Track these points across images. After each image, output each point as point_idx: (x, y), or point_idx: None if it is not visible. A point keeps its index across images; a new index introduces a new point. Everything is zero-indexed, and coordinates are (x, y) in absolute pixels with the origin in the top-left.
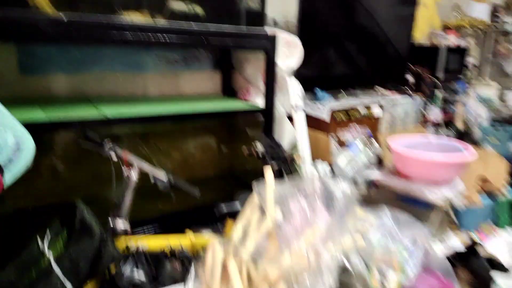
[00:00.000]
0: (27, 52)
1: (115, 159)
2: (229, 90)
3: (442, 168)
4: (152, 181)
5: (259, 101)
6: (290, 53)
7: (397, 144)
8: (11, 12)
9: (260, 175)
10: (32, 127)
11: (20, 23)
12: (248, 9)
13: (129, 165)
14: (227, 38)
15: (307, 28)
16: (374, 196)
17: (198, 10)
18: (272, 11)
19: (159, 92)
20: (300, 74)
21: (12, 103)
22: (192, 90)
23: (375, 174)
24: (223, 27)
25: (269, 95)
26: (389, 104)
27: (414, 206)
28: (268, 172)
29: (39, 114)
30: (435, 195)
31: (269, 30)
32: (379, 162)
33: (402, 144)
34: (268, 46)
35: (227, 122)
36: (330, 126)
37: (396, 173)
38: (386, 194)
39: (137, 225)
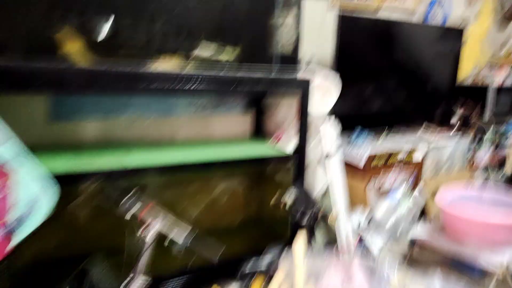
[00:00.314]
0: (56, 98)
1: (130, 217)
2: (259, 133)
3: (500, 231)
4: (166, 243)
5: (291, 147)
6: (325, 98)
7: (444, 199)
8: (40, 62)
9: (289, 226)
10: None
11: (49, 74)
12: (280, 52)
13: (146, 224)
14: (258, 84)
15: (344, 65)
16: (417, 257)
17: (228, 55)
18: (306, 49)
19: (188, 136)
20: (335, 113)
21: (38, 151)
22: (221, 134)
23: (419, 232)
24: (254, 72)
25: (301, 141)
26: (433, 147)
27: (466, 272)
28: (299, 241)
29: (61, 164)
30: (491, 260)
31: (302, 73)
32: (423, 215)
33: (450, 199)
34: (301, 91)
35: (256, 168)
36: (367, 171)
37: (444, 231)
38: (432, 256)
39: (160, 280)
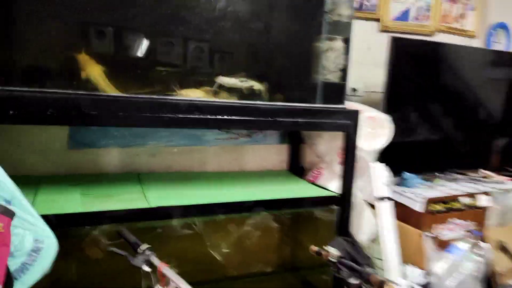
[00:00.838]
0: (78, 126)
1: (148, 269)
2: (297, 166)
3: None
4: None
5: (333, 185)
6: (375, 133)
7: None
8: (58, 90)
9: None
10: (61, 219)
11: (67, 103)
12: (324, 81)
13: (165, 281)
14: (298, 117)
15: (395, 99)
16: None
17: (265, 83)
18: (354, 75)
19: (219, 167)
20: (385, 152)
21: (56, 179)
22: (255, 166)
23: None
24: (293, 104)
25: (347, 181)
26: (499, 192)
27: None
28: None
29: (75, 201)
30: None
31: (349, 104)
32: (492, 276)
33: None
34: (348, 125)
35: (294, 208)
36: (423, 220)
37: None
38: None
39: None
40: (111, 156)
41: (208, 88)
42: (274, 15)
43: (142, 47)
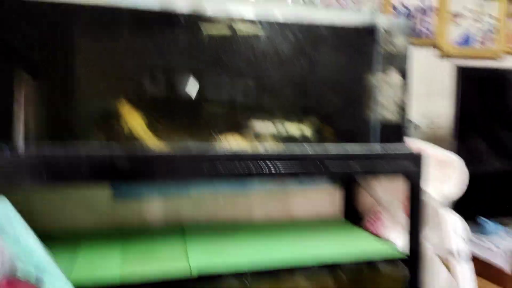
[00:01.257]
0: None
1: None
2: (353, 212)
3: None
4: None
5: (396, 236)
6: (444, 176)
7: None
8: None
9: None
10: None
11: (106, 162)
12: (381, 119)
13: None
14: (352, 162)
15: (464, 134)
16: None
17: (309, 127)
18: (414, 111)
19: (266, 215)
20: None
21: (99, 233)
22: (306, 212)
23: None
24: (347, 148)
25: (414, 237)
26: None
27: None
28: None
29: (114, 263)
30: None
31: (412, 143)
32: None
33: None
34: (412, 169)
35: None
36: (508, 278)
37: None
38: None
39: None
40: (154, 207)
41: (251, 133)
42: (321, 49)
43: (188, 89)
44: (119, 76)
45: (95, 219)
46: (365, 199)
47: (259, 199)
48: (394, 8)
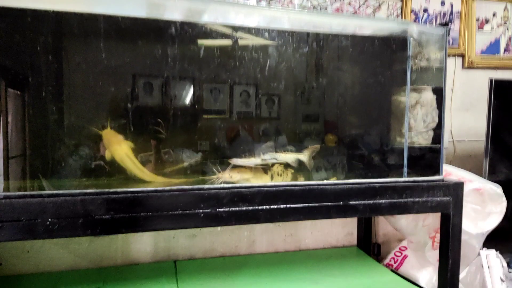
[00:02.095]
0: None
1: None
2: (369, 242)
3: None
4: None
5: (425, 277)
6: (483, 210)
7: None
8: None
9: None
10: None
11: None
12: (412, 145)
13: None
14: (378, 197)
15: (500, 156)
16: None
17: (326, 159)
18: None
19: (271, 246)
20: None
21: (76, 276)
22: (316, 242)
23: None
24: (371, 180)
25: (448, 277)
26: None
27: None
28: None
29: None
30: None
31: (446, 171)
32: None
33: None
34: (448, 203)
35: None
36: None
37: None
38: None
39: None
40: (142, 241)
41: (260, 165)
42: (343, 62)
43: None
44: (105, 96)
45: (73, 259)
46: (382, 227)
47: (263, 229)
48: (415, 13)
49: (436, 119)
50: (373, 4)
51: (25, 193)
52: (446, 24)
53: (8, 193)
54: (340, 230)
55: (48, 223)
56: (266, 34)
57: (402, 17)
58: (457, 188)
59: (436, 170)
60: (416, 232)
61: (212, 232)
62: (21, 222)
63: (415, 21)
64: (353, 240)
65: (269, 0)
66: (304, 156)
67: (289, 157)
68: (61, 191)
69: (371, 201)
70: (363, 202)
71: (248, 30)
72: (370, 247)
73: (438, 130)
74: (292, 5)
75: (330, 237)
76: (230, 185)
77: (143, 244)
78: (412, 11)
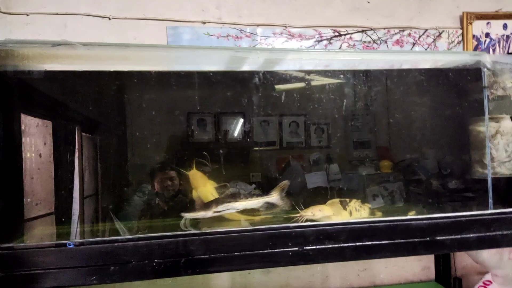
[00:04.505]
0: None
1: None
2: (447, 275)
3: None
4: None
5: None
6: None
7: None
8: None
9: None
10: None
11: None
12: (496, 176)
13: None
14: (465, 232)
15: None
16: None
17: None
18: None
19: (345, 282)
20: None
21: None
22: (391, 277)
23: None
24: (456, 214)
25: None
26: None
27: None
28: None
29: None
30: None
31: None
32: None
33: None
34: None
35: None
36: None
37: None
38: None
39: None
40: (221, 277)
41: (340, 200)
42: (415, 99)
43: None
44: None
45: None
46: (461, 259)
47: (336, 263)
48: (476, 39)
49: None
50: (433, 34)
51: (133, 236)
52: (492, 47)
53: (116, 237)
54: (416, 264)
55: (154, 263)
56: (351, 76)
57: (463, 44)
58: None
59: None
60: (502, 265)
61: (286, 267)
62: (130, 264)
63: (477, 47)
64: (430, 274)
65: (330, 38)
66: (271, 198)
67: (252, 203)
68: (165, 233)
69: (459, 236)
70: (450, 237)
71: (323, 73)
72: (449, 281)
73: None
74: (352, 41)
75: (405, 271)
76: (315, 223)
77: (221, 280)
78: (473, 36)
